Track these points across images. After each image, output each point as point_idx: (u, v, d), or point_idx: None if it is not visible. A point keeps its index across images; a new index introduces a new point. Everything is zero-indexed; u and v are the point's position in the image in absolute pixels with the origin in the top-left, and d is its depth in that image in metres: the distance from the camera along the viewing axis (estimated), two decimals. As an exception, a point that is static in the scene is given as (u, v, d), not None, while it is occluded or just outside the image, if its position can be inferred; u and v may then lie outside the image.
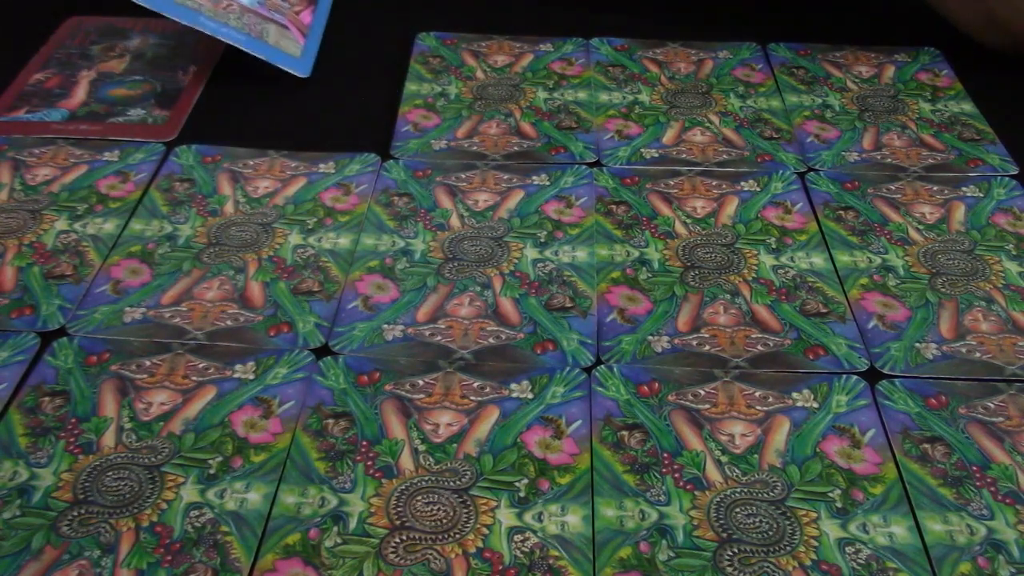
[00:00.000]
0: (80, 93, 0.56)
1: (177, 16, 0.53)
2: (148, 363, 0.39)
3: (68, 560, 0.32)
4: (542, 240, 0.46)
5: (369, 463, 0.35)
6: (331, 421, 0.37)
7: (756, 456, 0.36)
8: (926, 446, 0.37)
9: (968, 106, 0.57)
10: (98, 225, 0.46)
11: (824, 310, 0.42)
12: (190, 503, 0.34)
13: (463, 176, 0.50)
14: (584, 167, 0.51)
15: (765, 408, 0.38)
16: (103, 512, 0.33)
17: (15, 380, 0.38)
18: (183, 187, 0.49)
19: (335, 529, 0.33)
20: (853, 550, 0.33)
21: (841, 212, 0.48)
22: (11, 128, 0.52)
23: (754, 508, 0.34)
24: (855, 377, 0.39)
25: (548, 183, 0.50)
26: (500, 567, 0.32)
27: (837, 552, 0.33)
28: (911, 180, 0.51)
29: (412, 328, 0.41)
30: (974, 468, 0.36)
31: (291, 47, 0.55)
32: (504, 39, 0.62)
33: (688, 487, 0.35)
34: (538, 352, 0.40)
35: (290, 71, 0.56)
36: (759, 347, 0.40)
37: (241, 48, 0.55)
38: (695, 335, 0.41)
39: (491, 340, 0.41)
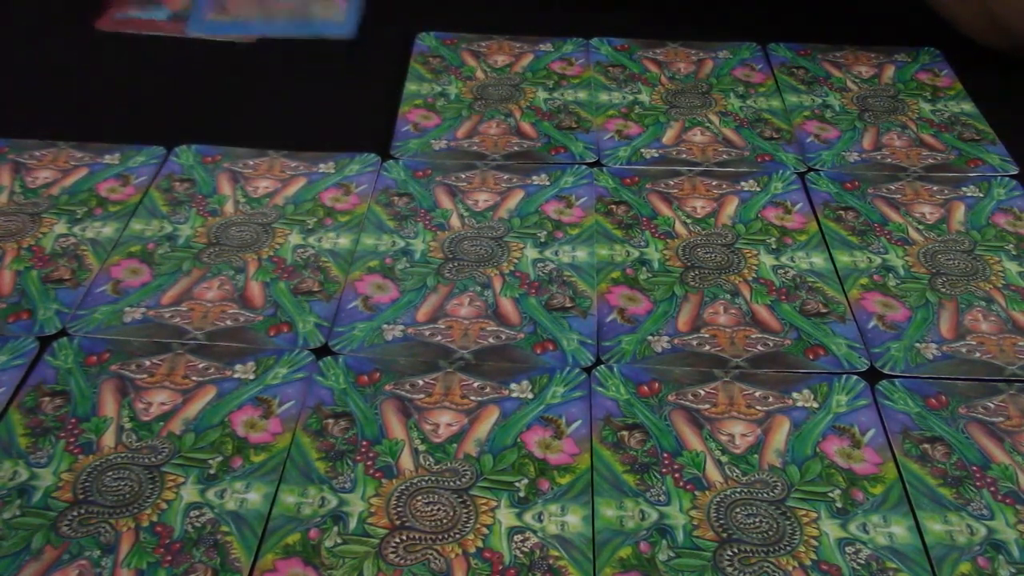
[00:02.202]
0: None
1: (227, 33, 0.57)
2: (148, 363, 0.39)
3: (68, 560, 0.32)
4: (542, 240, 0.46)
5: (369, 463, 0.35)
6: (331, 421, 0.37)
7: (756, 456, 0.36)
8: (926, 446, 0.37)
9: (968, 106, 0.57)
10: (97, 229, 0.46)
11: (824, 310, 0.42)
12: (190, 503, 0.34)
13: (463, 176, 0.50)
14: (584, 167, 0.51)
15: (765, 408, 0.38)
16: (103, 512, 0.33)
17: (13, 384, 0.38)
18: (183, 187, 0.49)
19: (335, 529, 0.33)
20: (853, 550, 0.33)
21: (841, 212, 0.48)
22: (125, 24, 0.59)
23: (754, 508, 0.34)
24: (855, 377, 0.39)
25: (548, 183, 0.50)
26: (500, 567, 0.32)
27: (837, 552, 0.33)
28: (911, 180, 0.51)
29: (412, 328, 0.41)
30: (974, 468, 0.36)
31: (334, 13, 0.57)
32: (504, 39, 0.62)
33: (688, 487, 0.35)
34: (538, 352, 0.40)
35: (336, 36, 0.58)
36: (759, 347, 0.40)
37: (290, 36, 0.58)
38: (695, 335, 0.41)
39: (491, 340, 0.41)
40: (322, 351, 0.40)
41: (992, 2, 0.57)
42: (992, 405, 0.38)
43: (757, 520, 0.34)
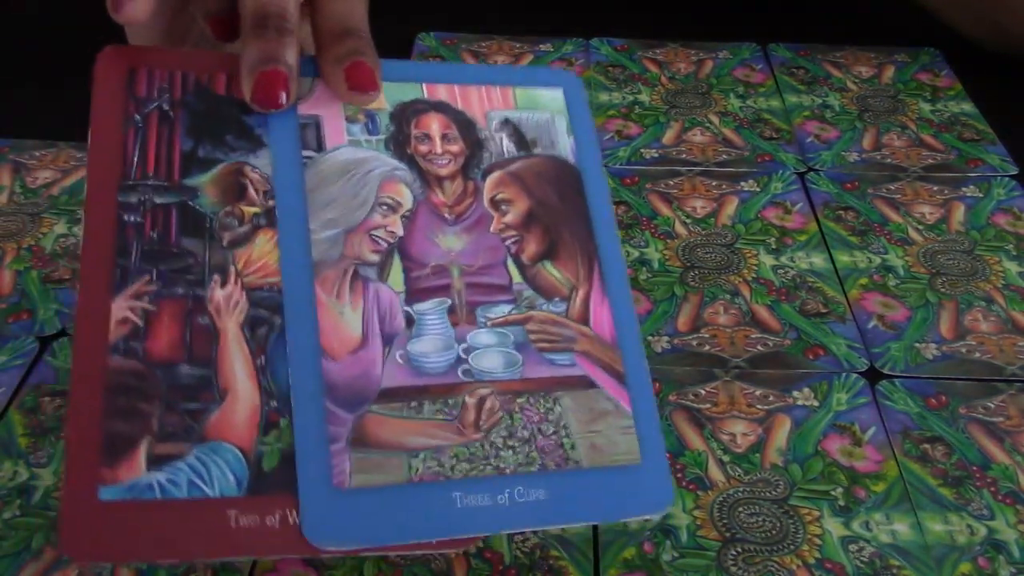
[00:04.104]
0: None
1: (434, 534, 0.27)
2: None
3: (68, 560, 0.32)
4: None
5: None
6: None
7: (758, 455, 0.36)
8: (926, 446, 0.36)
9: (968, 106, 0.57)
10: (98, 225, 0.46)
11: (824, 310, 0.42)
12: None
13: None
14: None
15: (766, 407, 0.38)
16: (104, 512, 0.33)
17: (13, 384, 0.38)
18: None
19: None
20: (856, 548, 0.33)
21: (841, 212, 0.48)
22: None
23: (757, 507, 0.34)
24: (855, 375, 0.39)
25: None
26: (500, 567, 0.32)
27: (840, 550, 0.33)
28: (911, 180, 0.51)
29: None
30: (974, 468, 0.36)
31: (616, 438, 0.28)
32: (504, 39, 0.62)
33: (691, 487, 0.35)
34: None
35: (640, 517, 0.32)
36: (759, 347, 0.40)
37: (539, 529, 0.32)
38: (695, 335, 0.41)
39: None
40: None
41: (996, 15, 0.57)
42: (992, 405, 0.38)
43: (760, 519, 0.34)
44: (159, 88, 0.29)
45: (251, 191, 0.28)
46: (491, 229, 0.30)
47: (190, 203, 0.28)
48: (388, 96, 0.31)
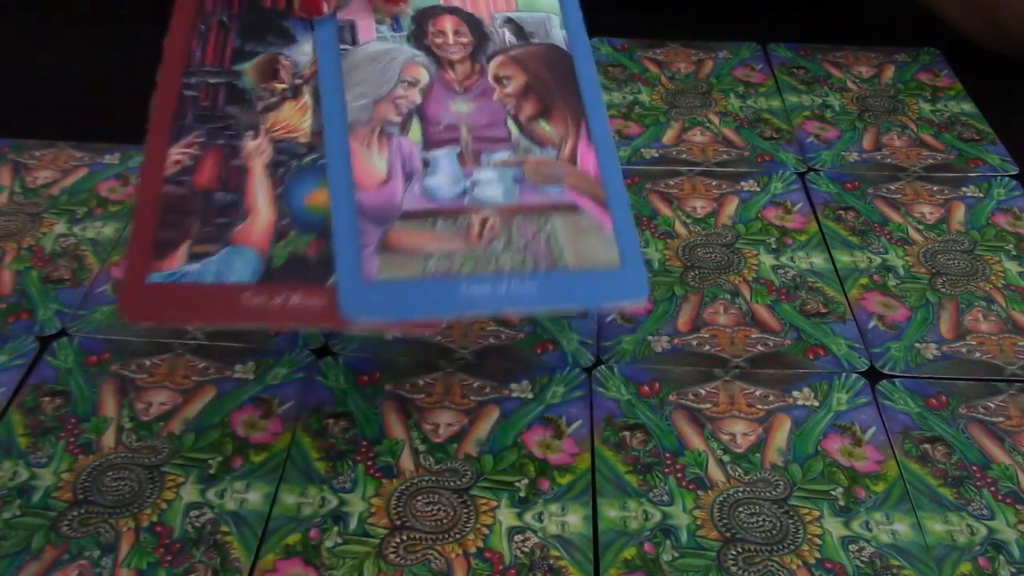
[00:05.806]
0: None
1: (427, 311, 0.32)
2: (148, 363, 0.39)
3: (68, 560, 0.32)
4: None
5: (369, 463, 0.35)
6: (331, 421, 0.37)
7: (758, 455, 0.36)
8: (926, 446, 0.36)
9: (968, 106, 0.57)
10: (97, 228, 0.46)
11: (824, 310, 0.42)
12: (190, 503, 0.34)
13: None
14: (584, 167, 0.51)
15: (766, 407, 0.38)
16: (103, 512, 0.33)
17: (13, 384, 0.38)
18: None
19: (335, 529, 0.33)
20: (856, 548, 0.33)
21: (841, 212, 0.48)
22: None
23: (757, 507, 0.34)
24: (855, 375, 0.39)
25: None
26: (500, 567, 0.32)
27: (840, 550, 0.33)
28: (911, 180, 0.51)
29: (412, 328, 0.41)
30: (974, 468, 0.36)
31: (598, 248, 0.33)
32: (504, 40, 0.63)
33: (691, 487, 0.35)
34: (538, 352, 0.40)
35: (620, 305, 0.39)
36: (759, 347, 0.40)
37: (533, 313, 0.38)
38: (695, 335, 0.41)
39: (491, 340, 0.40)
40: (322, 351, 0.40)
41: (994, 11, 0.57)
42: (992, 405, 0.38)
43: (760, 519, 0.34)
44: (221, 5, 0.38)
45: (282, 73, 0.36)
46: (494, 97, 0.36)
47: (235, 82, 0.36)
48: (411, 3, 0.38)
